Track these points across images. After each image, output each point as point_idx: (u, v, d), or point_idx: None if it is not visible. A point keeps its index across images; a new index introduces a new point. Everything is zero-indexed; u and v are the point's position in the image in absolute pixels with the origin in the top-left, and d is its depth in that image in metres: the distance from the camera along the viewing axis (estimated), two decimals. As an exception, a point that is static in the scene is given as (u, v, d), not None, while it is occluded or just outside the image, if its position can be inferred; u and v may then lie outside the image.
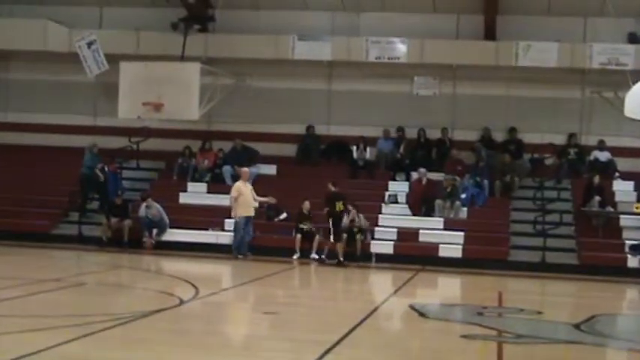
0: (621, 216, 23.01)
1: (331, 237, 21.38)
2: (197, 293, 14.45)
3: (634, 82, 19.91)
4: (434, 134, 25.55)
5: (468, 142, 25.23)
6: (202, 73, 23.45)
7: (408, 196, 24.00)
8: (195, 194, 24.72)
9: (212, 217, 23.38)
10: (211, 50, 25.39)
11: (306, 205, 22.42)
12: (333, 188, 21.78)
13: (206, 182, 25.08)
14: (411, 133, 25.54)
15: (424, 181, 23.95)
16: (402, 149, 25.33)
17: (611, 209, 23.11)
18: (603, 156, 24.74)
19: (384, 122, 25.65)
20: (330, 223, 21.36)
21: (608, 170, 24.35)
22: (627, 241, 22.12)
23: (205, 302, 13.97)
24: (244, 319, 13.28)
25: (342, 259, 21.23)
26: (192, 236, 22.92)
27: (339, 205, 21.45)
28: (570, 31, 24.78)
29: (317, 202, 22.38)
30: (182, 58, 23.86)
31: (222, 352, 9.88)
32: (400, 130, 25.51)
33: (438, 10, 25.50)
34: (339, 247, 21.32)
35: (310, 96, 26.19)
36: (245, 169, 22.73)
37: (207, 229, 23.07)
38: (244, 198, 21.72)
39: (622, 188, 24.04)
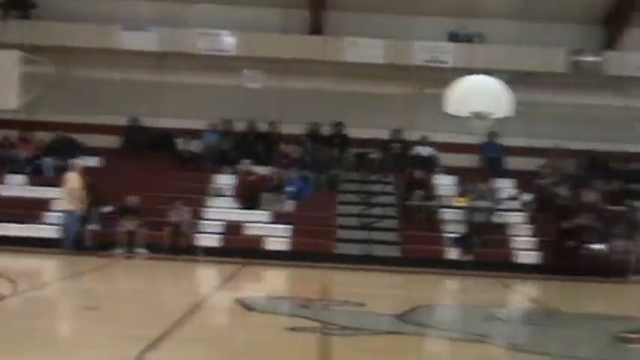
0: (443, 209, 23.69)
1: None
2: (15, 289, 13.93)
3: (454, 80, 20.62)
4: (263, 127, 25.56)
5: (296, 135, 25.40)
6: (23, 62, 22.64)
7: (234, 188, 23.94)
8: (15, 186, 23.88)
9: (32, 210, 22.64)
10: (33, 38, 24.39)
11: (132, 199, 22.08)
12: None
13: (26, 174, 24.27)
14: (241, 126, 25.48)
15: (251, 173, 23.95)
16: (229, 142, 25.24)
17: (434, 203, 23.75)
18: (425, 151, 25.39)
19: (213, 114, 25.44)
20: None
21: (430, 165, 25.03)
22: (448, 234, 22.79)
23: (24, 298, 13.51)
24: (64, 314, 12.90)
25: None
26: (12, 230, 22.09)
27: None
28: (396, 28, 25.28)
29: (144, 196, 22.16)
30: (0, 45, 22.98)
31: (38, 350, 9.51)
32: (227, 122, 25.39)
33: (264, 3, 25.48)
34: None
35: (138, 87, 25.66)
36: (80, 162, 22.39)
37: (27, 223, 22.30)
38: (79, 192, 21.34)
39: (444, 182, 24.74)
